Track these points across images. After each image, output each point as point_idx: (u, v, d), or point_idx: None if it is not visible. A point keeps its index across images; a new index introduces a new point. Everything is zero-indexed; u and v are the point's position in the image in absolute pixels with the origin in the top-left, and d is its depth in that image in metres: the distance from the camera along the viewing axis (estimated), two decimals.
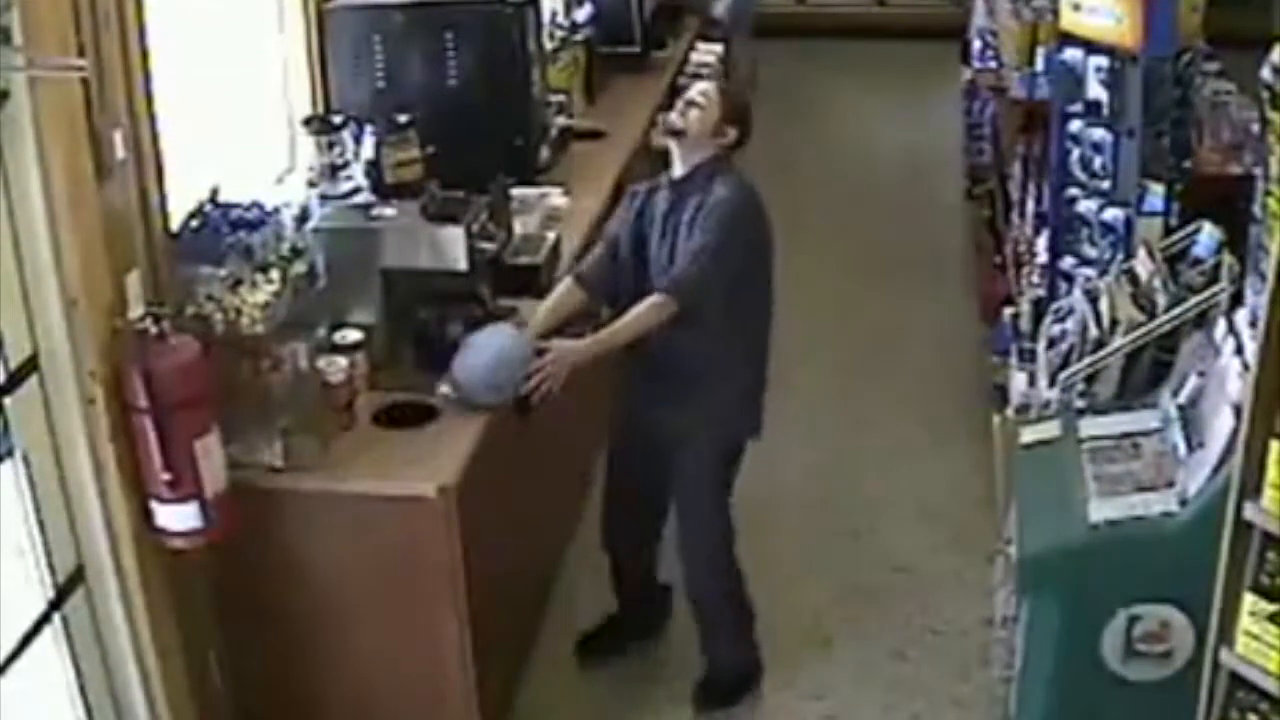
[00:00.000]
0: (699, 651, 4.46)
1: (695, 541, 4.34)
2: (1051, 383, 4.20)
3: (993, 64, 6.69)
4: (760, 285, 4.17)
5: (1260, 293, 3.14)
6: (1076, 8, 4.43)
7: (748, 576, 4.43)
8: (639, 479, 4.37)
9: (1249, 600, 2.82)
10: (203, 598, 3.83)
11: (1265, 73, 3.26)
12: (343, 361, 3.92)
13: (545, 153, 5.36)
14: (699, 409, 4.15)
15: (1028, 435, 4.03)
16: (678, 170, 4.10)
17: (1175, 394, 3.72)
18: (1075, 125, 4.55)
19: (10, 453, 3.20)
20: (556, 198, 5.16)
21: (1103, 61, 4.39)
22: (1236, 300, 3.73)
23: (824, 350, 6.50)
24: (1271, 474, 2.74)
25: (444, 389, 4.00)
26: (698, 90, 4.14)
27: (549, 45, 5.91)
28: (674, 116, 4.10)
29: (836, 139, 8.96)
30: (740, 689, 4.47)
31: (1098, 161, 4.50)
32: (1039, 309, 4.82)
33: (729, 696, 4.45)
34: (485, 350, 3.98)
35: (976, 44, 6.78)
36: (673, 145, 4.12)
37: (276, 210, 3.97)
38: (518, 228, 4.70)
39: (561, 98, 5.81)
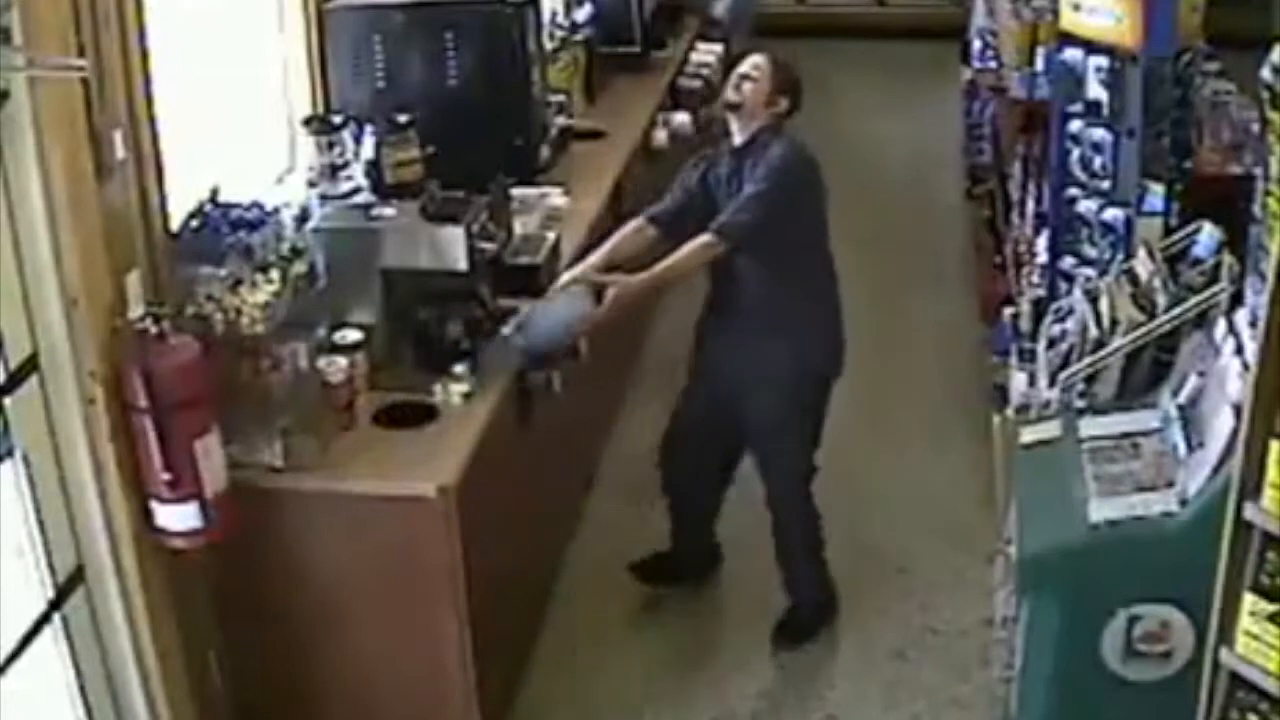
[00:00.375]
0: (782, 589, 4.70)
1: (779, 482, 4.59)
2: (1051, 383, 4.20)
3: (993, 64, 6.68)
4: (815, 232, 4.45)
5: (1260, 293, 3.14)
6: (1076, 8, 4.43)
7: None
8: (711, 426, 4.58)
9: (1249, 600, 2.82)
10: (203, 598, 3.83)
11: (1265, 73, 3.26)
12: (343, 361, 3.92)
13: (545, 153, 5.35)
14: (770, 352, 4.39)
15: (1028, 435, 4.03)
16: (737, 139, 4.41)
17: (1175, 394, 3.72)
18: (1075, 125, 4.55)
19: (10, 453, 3.20)
20: (556, 198, 5.15)
21: (1103, 61, 4.39)
22: (1236, 300, 3.73)
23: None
24: (1271, 474, 2.74)
25: (507, 331, 4.23)
26: (750, 64, 4.42)
27: (549, 45, 5.91)
28: (729, 92, 4.39)
29: (836, 139, 8.91)
30: (818, 623, 4.72)
31: (1098, 161, 4.50)
32: (1039, 309, 4.82)
33: (808, 631, 4.70)
34: (555, 317, 4.27)
35: (976, 44, 6.78)
36: (731, 118, 4.41)
37: (276, 210, 3.97)
38: (518, 228, 4.70)
39: (561, 98, 5.81)
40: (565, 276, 4.44)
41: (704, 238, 4.25)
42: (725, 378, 4.49)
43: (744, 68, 4.40)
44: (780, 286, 4.35)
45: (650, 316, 6.70)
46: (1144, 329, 3.99)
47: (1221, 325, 3.64)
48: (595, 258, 4.45)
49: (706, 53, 7.97)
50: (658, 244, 4.45)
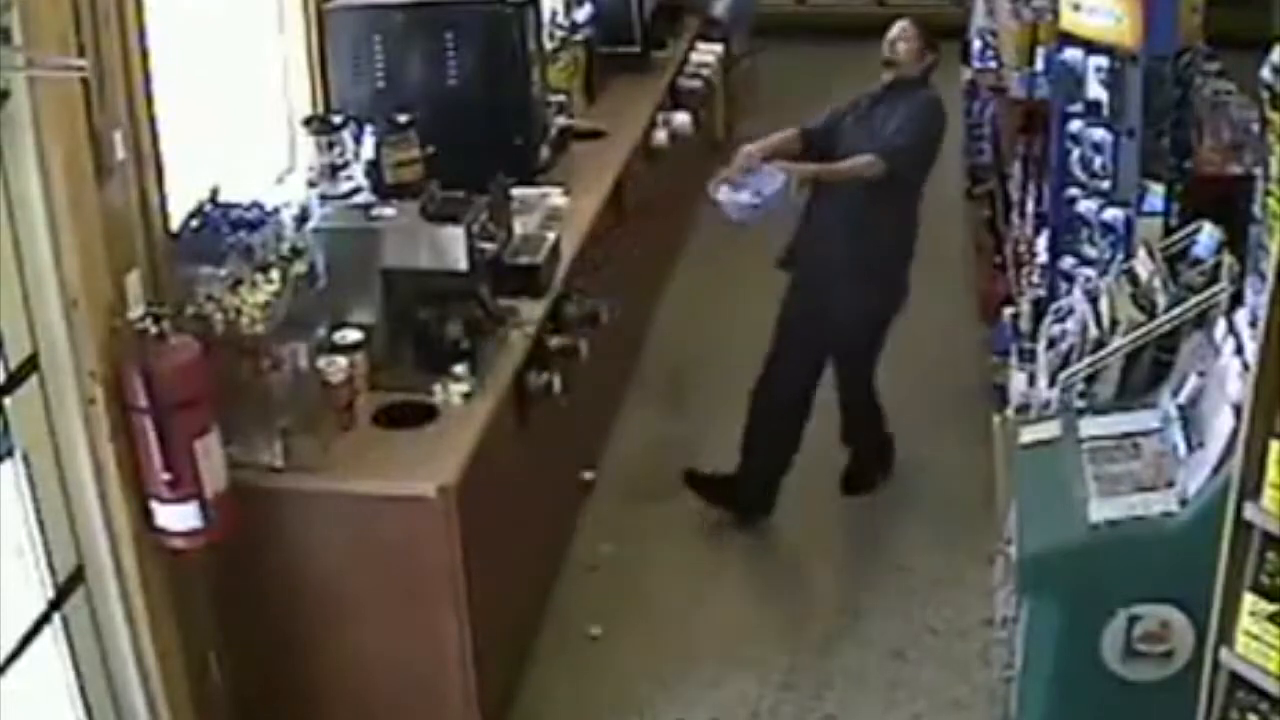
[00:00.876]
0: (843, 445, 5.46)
1: (851, 384, 5.35)
2: (1051, 383, 4.20)
3: (993, 64, 6.68)
4: (923, 182, 5.12)
5: (1260, 293, 3.14)
6: (1076, 8, 4.43)
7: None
8: (802, 340, 5.17)
9: (1249, 600, 2.82)
10: (203, 598, 3.83)
11: (1265, 73, 3.26)
12: (343, 361, 3.92)
13: (545, 153, 5.35)
14: (863, 270, 5.02)
15: (1028, 435, 4.03)
16: (886, 77, 5.12)
17: (1175, 394, 3.72)
18: (1075, 125, 4.55)
19: (10, 453, 3.20)
20: (556, 198, 5.15)
21: (1103, 61, 4.39)
22: (1236, 300, 3.73)
23: None
24: (1271, 474, 2.74)
25: (722, 197, 4.85)
26: (898, 28, 5.17)
27: (549, 45, 5.91)
28: (886, 52, 5.12)
29: None
30: (880, 468, 5.52)
31: (1098, 161, 4.50)
32: (1039, 309, 4.81)
33: (870, 479, 5.47)
34: (776, 180, 4.81)
35: (976, 44, 6.77)
36: (887, 74, 5.13)
37: (276, 210, 3.97)
38: (518, 228, 4.70)
39: (561, 98, 5.81)
40: (746, 148, 5.00)
41: (868, 158, 4.82)
42: (818, 289, 5.09)
43: (893, 33, 5.13)
44: (886, 218, 5.01)
45: (650, 318, 6.70)
46: (1144, 329, 3.99)
47: (1221, 325, 3.64)
48: (754, 147, 5.02)
49: (706, 53, 7.97)
50: (799, 155, 5.05)
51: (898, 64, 5.09)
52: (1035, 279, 5.10)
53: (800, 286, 5.18)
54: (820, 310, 5.08)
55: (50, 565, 3.38)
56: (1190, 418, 3.59)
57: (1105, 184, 4.50)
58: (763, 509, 5.29)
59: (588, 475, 5.29)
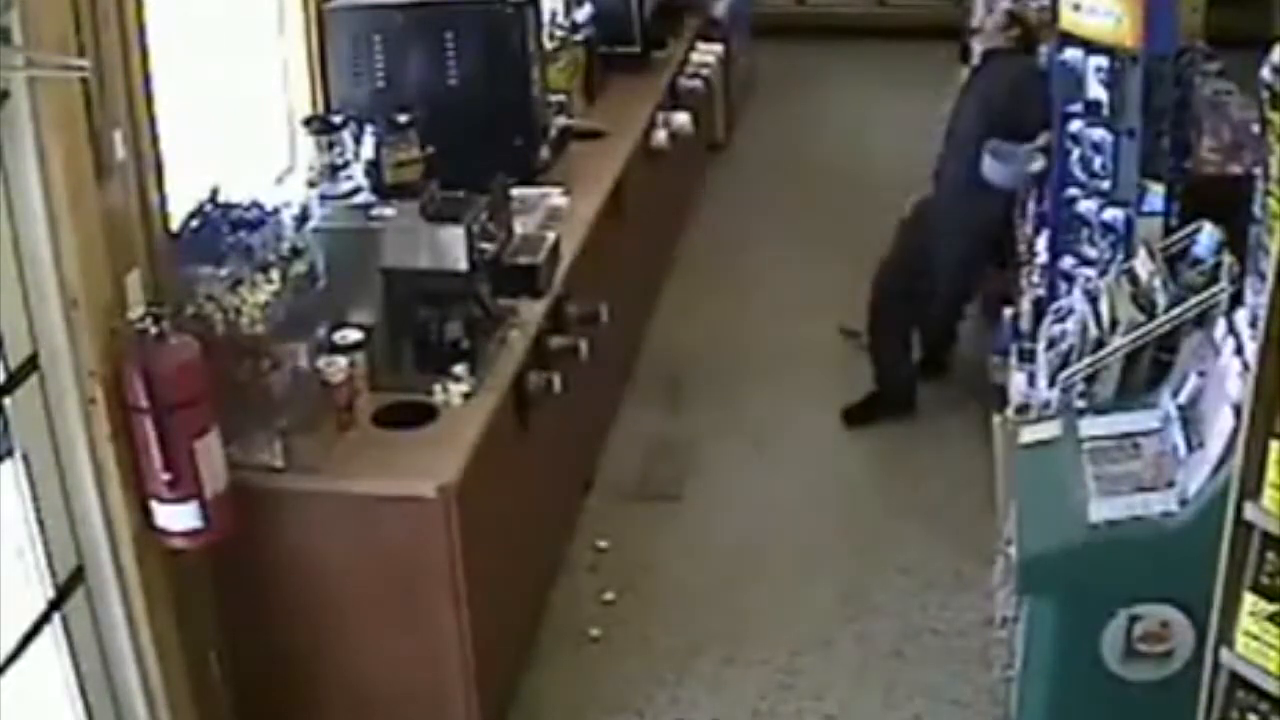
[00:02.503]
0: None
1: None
2: (1051, 383, 4.20)
3: None
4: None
5: (1260, 293, 3.14)
6: (1076, 8, 4.43)
7: None
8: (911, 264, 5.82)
9: (1249, 600, 2.82)
10: (203, 598, 3.83)
11: (1265, 73, 3.26)
12: (343, 361, 3.92)
13: (545, 153, 5.35)
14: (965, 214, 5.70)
15: (1028, 435, 4.03)
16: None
17: (1175, 394, 3.72)
18: (1075, 125, 4.55)
19: (10, 453, 3.20)
20: (556, 198, 5.15)
21: (1103, 61, 4.39)
22: (1236, 300, 3.73)
23: (823, 350, 6.50)
24: (1271, 474, 2.74)
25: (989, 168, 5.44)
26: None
27: (549, 45, 5.90)
28: (974, 22, 6.04)
29: (836, 138, 8.94)
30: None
31: (1098, 161, 4.50)
32: (1039, 309, 4.82)
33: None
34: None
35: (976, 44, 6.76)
36: (974, 43, 5.86)
37: (276, 210, 3.97)
38: (518, 228, 4.69)
39: (561, 98, 5.80)
40: None
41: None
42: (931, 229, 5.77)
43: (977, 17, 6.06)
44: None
45: (650, 318, 6.70)
46: (1144, 329, 3.99)
47: (1221, 325, 3.64)
48: None
49: (706, 53, 7.97)
50: None
51: (981, 30, 5.77)
52: (1035, 279, 5.10)
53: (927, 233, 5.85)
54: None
55: (50, 565, 3.38)
56: (1190, 418, 3.59)
57: (1105, 184, 4.50)
58: (907, 407, 5.96)
59: (587, 476, 5.30)
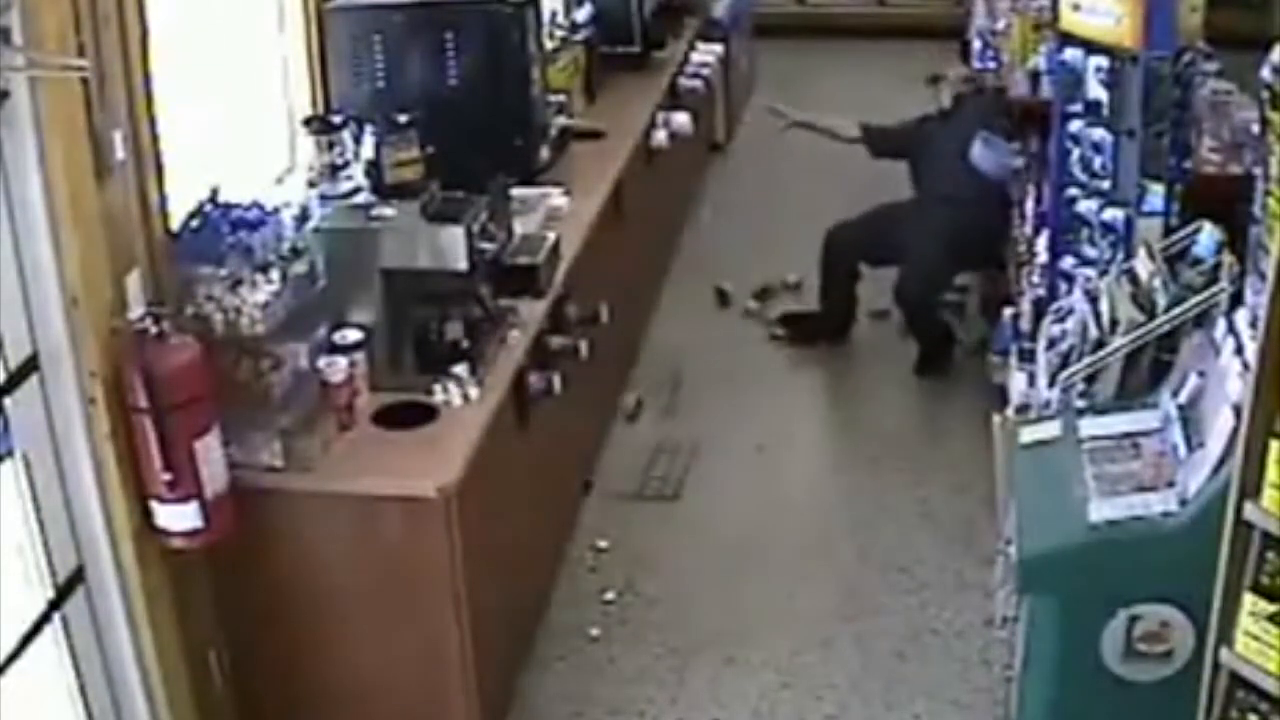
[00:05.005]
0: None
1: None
2: (1051, 383, 4.20)
3: (993, 64, 6.69)
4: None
5: (1260, 293, 3.14)
6: (1076, 8, 4.43)
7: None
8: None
9: (1249, 600, 2.82)
10: (203, 598, 3.83)
11: (1265, 73, 3.27)
12: (343, 361, 3.92)
13: (545, 153, 5.35)
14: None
15: (1028, 435, 4.03)
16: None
17: (1175, 394, 3.72)
18: (1075, 125, 4.55)
19: (10, 453, 3.20)
20: (556, 198, 5.15)
21: (1103, 61, 4.39)
22: (1236, 300, 3.73)
23: (822, 350, 6.50)
24: (1271, 474, 2.74)
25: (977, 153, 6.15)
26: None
27: (549, 45, 5.90)
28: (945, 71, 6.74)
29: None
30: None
31: (1098, 161, 4.50)
32: (1039, 309, 4.82)
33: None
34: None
35: (976, 44, 6.79)
36: (942, 89, 6.64)
37: (276, 210, 3.97)
38: (518, 228, 4.69)
39: (561, 98, 5.80)
40: None
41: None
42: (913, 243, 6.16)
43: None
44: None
45: (650, 318, 6.70)
46: (1144, 329, 3.99)
47: (1221, 325, 3.64)
48: None
49: (706, 53, 7.97)
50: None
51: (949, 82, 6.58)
52: (1035, 279, 5.10)
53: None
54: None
55: (50, 565, 3.38)
56: (1190, 418, 3.59)
57: (1105, 184, 4.50)
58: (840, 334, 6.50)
59: (587, 476, 5.30)
